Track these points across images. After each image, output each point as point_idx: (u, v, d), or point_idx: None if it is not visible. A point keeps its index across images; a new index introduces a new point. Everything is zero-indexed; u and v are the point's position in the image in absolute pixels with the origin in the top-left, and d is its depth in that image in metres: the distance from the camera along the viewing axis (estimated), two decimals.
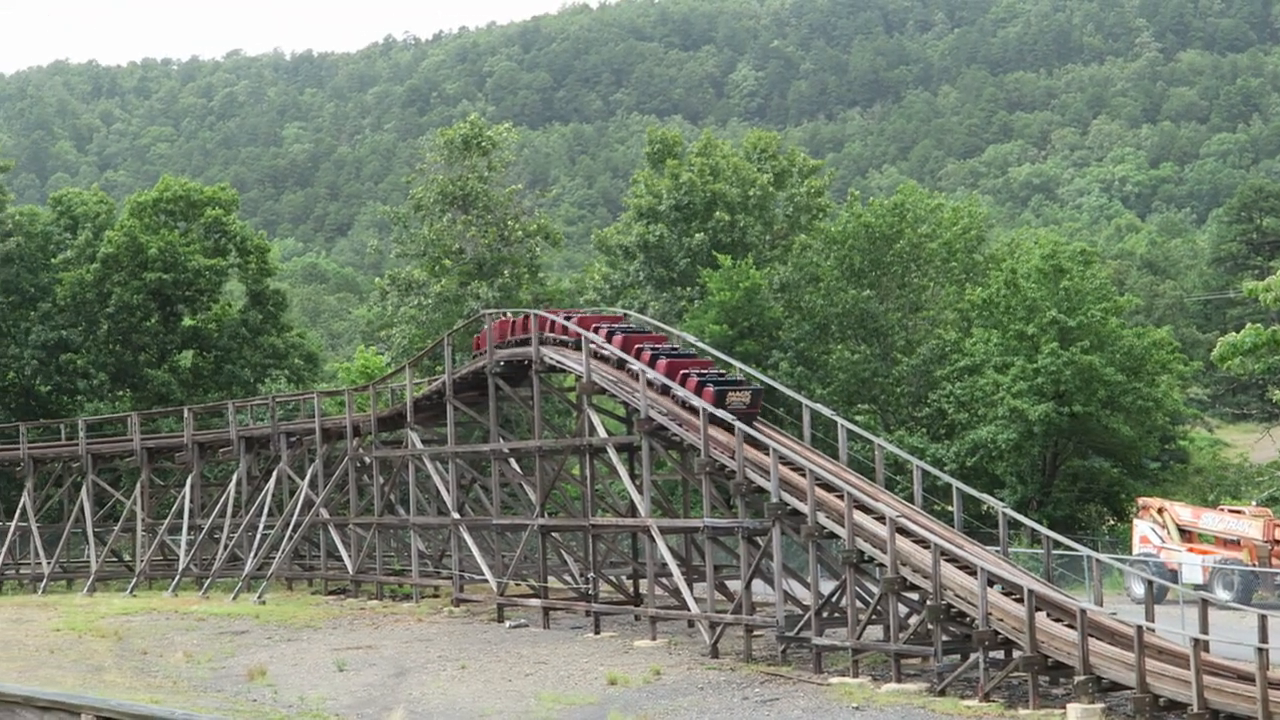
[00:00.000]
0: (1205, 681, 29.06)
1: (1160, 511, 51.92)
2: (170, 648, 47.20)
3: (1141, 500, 54.41)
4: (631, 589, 49.39)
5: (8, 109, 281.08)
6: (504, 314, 53.95)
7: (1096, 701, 31.41)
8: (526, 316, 50.64)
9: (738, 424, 40.86)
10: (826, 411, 44.31)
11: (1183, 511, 51.94)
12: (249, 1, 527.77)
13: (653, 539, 44.75)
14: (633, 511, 46.91)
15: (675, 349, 47.62)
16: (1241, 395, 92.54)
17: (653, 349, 46.37)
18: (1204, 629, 31.47)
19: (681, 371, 44.64)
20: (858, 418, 57.07)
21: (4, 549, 65.21)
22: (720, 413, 42.19)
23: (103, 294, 78.58)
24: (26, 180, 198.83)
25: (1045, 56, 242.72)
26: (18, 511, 65.72)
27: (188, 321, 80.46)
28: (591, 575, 47.95)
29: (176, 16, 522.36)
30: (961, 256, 66.83)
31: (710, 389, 43.23)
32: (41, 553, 64.72)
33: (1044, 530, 40.02)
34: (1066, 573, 44.71)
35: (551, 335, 49.21)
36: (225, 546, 60.64)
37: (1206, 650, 30.19)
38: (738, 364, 48.85)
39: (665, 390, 44.37)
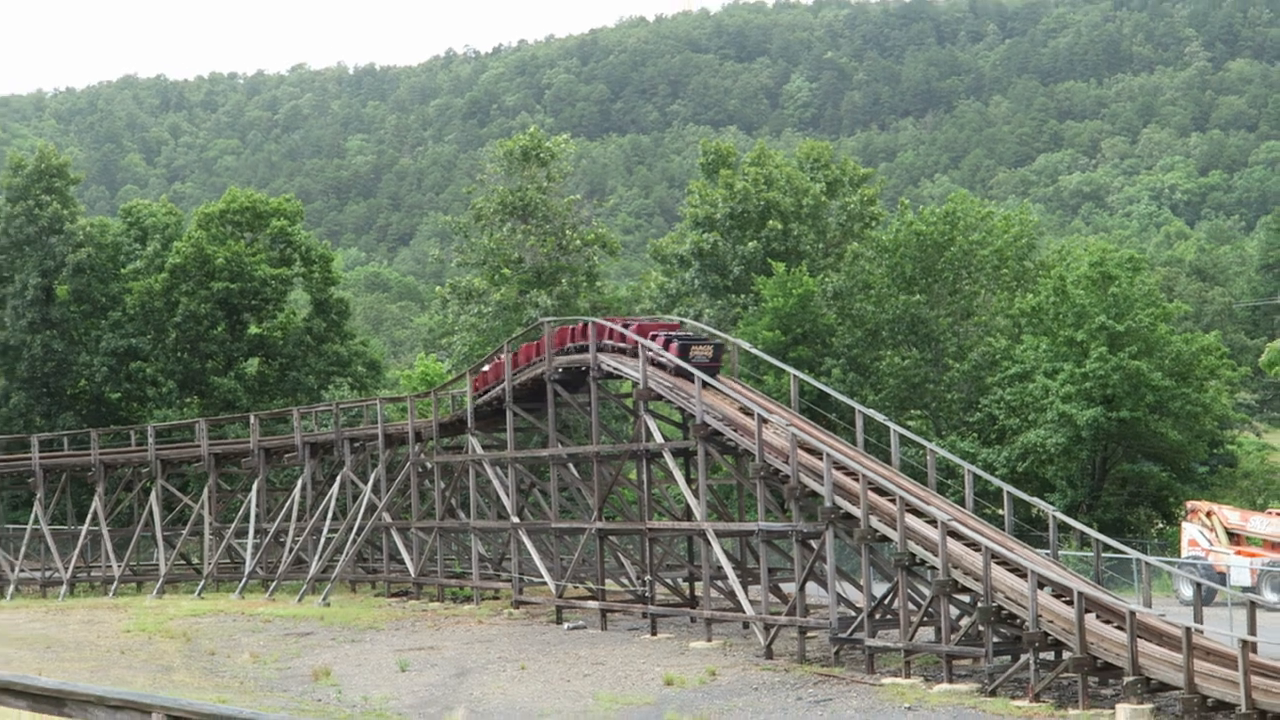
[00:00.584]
0: (1253, 682, 28.89)
1: (1209, 515, 51.65)
2: (237, 649, 47.44)
3: (1190, 504, 54.07)
4: (687, 591, 49.37)
5: (79, 123, 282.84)
6: (550, 323, 54.11)
7: (1145, 702, 31.28)
8: (584, 324, 50.73)
9: (792, 432, 40.95)
10: (879, 417, 44.25)
11: (1231, 515, 51.66)
12: (313, 16, 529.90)
13: (708, 542, 44.80)
14: (688, 515, 46.96)
15: (688, 334, 48.07)
16: None
17: (667, 335, 46.88)
18: (1252, 630, 31.32)
19: (651, 332, 46.73)
20: (910, 423, 57.05)
21: (76, 552, 65.61)
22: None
23: (171, 303, 79.06)
24: (97, 192, 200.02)
25: (1095, 66, 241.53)
26: (89, 516, 66.08)
27: (254, 330, 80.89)
28: (648, 578, 47.99)
29: (242, 31, 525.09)
30: (1012, 264, 66.69)
31: (675, 344, 45.25)
32: (112, 556, 65.13)
33: (1093, 533, 39.93)
34: (1116, 575, 44.51)
35: (609, 343, 49.31)
36: (290, 550, 60.89)
37: (1254, 651, 30.04)
38: (790, 369, 48.80)
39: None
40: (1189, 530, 51.81)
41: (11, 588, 64.53)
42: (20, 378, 78.85)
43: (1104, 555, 40.36)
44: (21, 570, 66.03)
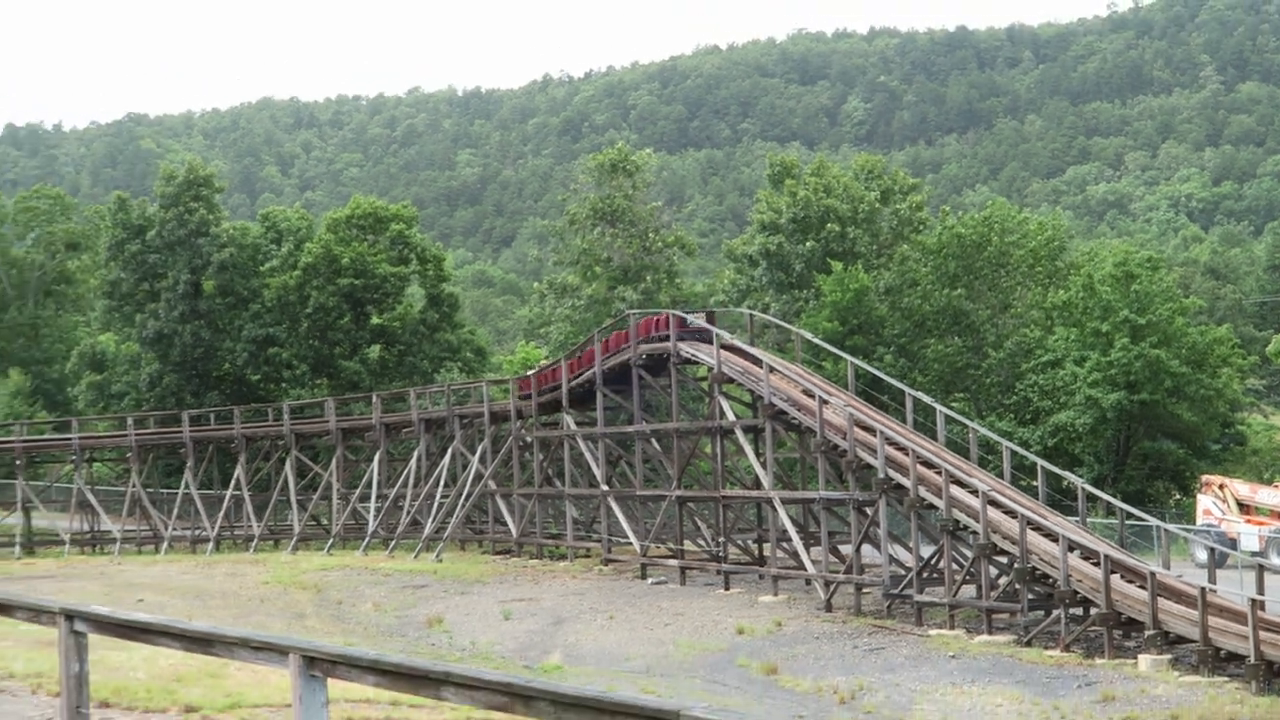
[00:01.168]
0: (1261, 636, 28.75)
1: (1221, 488, 51.26)
2: (361, 599, 47.72)
3: (1204, 477, 53.69)
4: (756, 551, 49.34)
5: (223, 139, 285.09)
6: (635, 315, 54.16)
7: (1164, 653, 31.18)
8: (665, 316, 50.81)
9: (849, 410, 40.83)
10: (926, 399, 44.10)
11: (1241, 488, 51.31)
12: (427, 44, 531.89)
13: (775, 508, 44.89)
14: (757, 485, 47.00)
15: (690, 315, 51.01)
16: None
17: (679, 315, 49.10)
18: (1260, 590, 31.16)
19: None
20: (953, 404, 56.77)
21: (221, 514, 66.15)
22: (833, 400, 42.25)
23: (303, 297, 79.51)
24: (239, 200, 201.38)
25: (1120, 88, 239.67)
26: (232, 482, 66.64)
27: (375, 320, 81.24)
28: (722, 539, 48.09)
29: (366, 59, 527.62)
30: (1045, 263, 66.41)
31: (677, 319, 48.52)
32: (252, 517, 65.68)
33: (1118, 503, 39.83)
34: (1138, 540, 44.17)
35: (687, 332, 49.36)
36: (407, 513, 61.16)
37: (1263, 609, 29.75)
38: (847, 356, 48.70)
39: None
40: (1203, 501, 51.41)
41: (166, 544, 65.08)
42: (173, 362, 79.52)
43: (1127, 523, 40.19)
44: (174, 529, 66.60)
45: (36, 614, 10.01)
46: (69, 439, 69.98)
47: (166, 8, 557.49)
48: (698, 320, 49.95)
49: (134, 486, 67.68)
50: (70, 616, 9.38)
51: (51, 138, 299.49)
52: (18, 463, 68.46)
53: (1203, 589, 30.68)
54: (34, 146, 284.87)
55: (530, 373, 62.06)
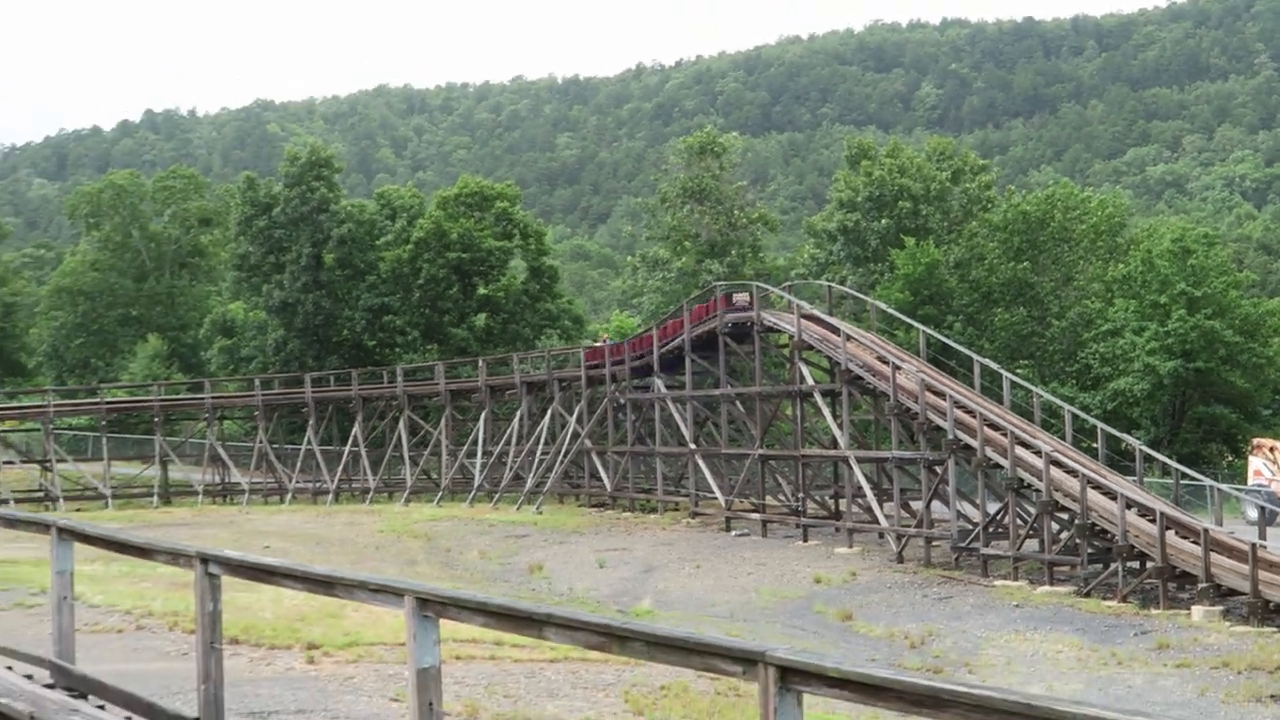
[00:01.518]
0: None
1: (1272, 450, 50.49)
2: (468, 547, 48.05)
3: (1255, 440, 52.91)
4: (833, 507, 49.19)
5: (342, 124, 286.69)
6: (721, 287, 54.08)
7: (1216, 605, 30.93)
8: (750, 288, 50.84)
9: (919, 375, 40.66)
10: (993, 365, 43.81)
11: None
12: (530, 35, 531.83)
13: (850, 467, 44.83)
14: (834, 444, 46.87)
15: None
16: None
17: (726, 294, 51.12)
18: None
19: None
20: (1018, 370, 56.32)
21: (340, 468, 66.77)
22: (906, 365, 42.13)
23: (415, 269, 79.97)
24: (356, 180, 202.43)
25: (1178, 75, 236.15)
26: (350, 438, 67.20)
27: (481, 291, 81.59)
28: (801, 495, 48.02)
29: (473, 48, 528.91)
30: (1105, 239, 65.92)
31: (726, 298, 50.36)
32: (369, 471, 66.20)
33: (1173, 464, 39.55)
34: (1191, 499, 43.76)
35: (768, 301, 49.43)
36: (510, 468, 61.46)
37: None
38: (918, 325, 48.52)
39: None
40: (1254, 462, 50.69)
41: (289, 495, 65.78)
42: (296, 328, 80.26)
43: (1182, 482, 39.80)
44: (297, 481, 67.28)
45: (175, 557, 10.15)
46: (202, 399, 70.85)
47: (292, 1, 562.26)
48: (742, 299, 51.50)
49: (261, 442, 68.42)
50: (205, 560, 9.50)
51: (186, 123, 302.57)
52: (156, 420, 69.38)
53: (1253, 545, 30.45)
54: (170, 131, 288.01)
55: (597, 344, 63.20)
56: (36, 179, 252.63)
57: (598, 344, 63.90)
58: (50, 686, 10.40)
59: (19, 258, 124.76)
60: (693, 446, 53.09)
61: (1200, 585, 31.52)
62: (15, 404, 77.12)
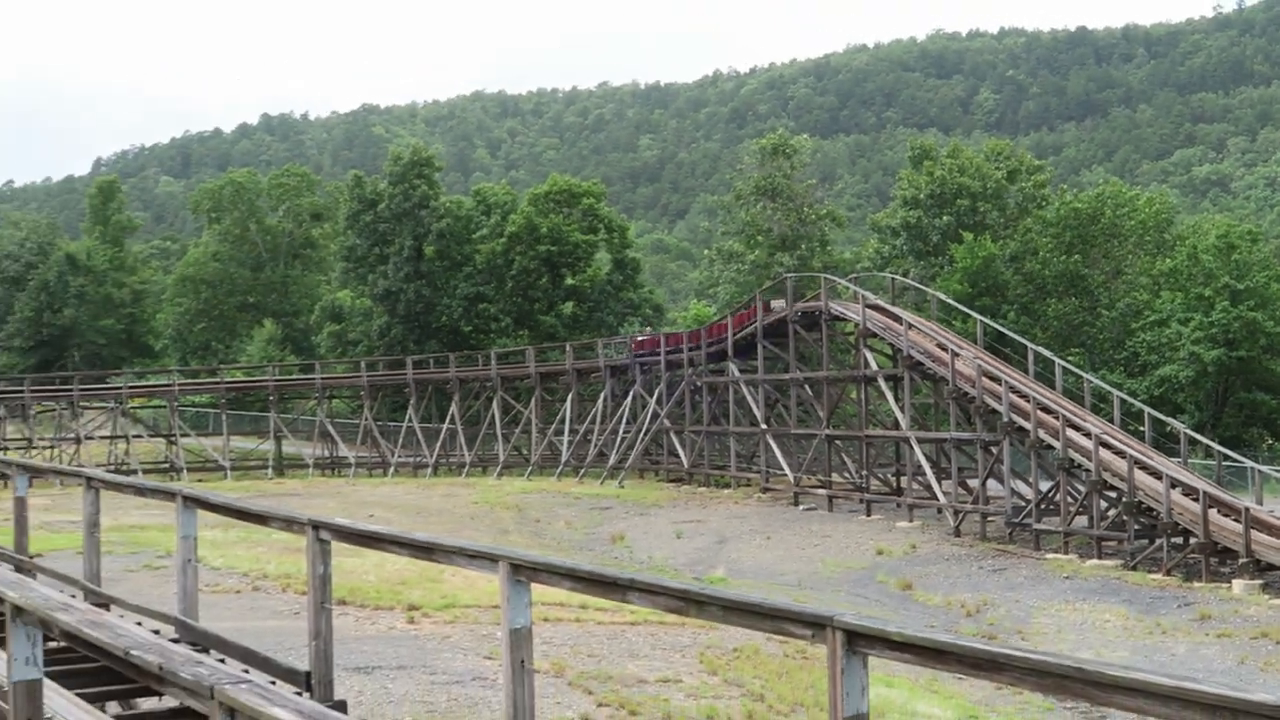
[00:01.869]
0: None
1: None
2: (555, 518, 48.24)
3: None
4: (894, 483, 48.96)
5: (441, 126, 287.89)
6: (792, 279, 53.84)
7: (1256, 579, 30.67)
8: (818, 280, 50.73)
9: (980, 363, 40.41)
10: (1045, 352, 43.56)
11: None
12: (615, 44, 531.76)
13: (911, 446, 44.69)
14: (896, 426, 46.67)
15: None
16: None
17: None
18: None
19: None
20: (1070, 358, 55.78)
21: (438, 444, 67.15)
22: (967, 352, 41.88)
23: (508, 261, 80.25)
24: (454, 178, 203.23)
25: (1223, 81, 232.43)
26: (448, 417, 67.53)
27: (569, 281, 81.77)
28: (865, 472, 47.91)
29: (562, 56, 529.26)
30: (1153, 235, 65.25)
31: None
32: (464, 447, 66.54)
33: (1215, 446, 39.32)
34: (1233, 480, 43.18)
35: (835, 292, 49.27)
36: (595, 445, 61.58)
37: None
38: (976, 314, 48.24)
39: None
40: None
41: (392, 469, 66.23)
42: (399, 315, 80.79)
43: (1223, 464, 39.49)
44: (399, 456, 67.72)
45: (289, 524, 10.25)
46: (313, 379, 71.50)
47: (395, 12, 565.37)
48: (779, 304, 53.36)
49: (366, 419, 68.99)
50: (317, 527, 9.58)
51: (299, 125, 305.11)
52: (270, 398, 70.14)
53: None
54: (285, 132, 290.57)
55: (640, 337, 64.64)
56: (163, 177, 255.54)
57: (640, 337, 65.14)
58: (176, 641, 10.53)
59: (147, 249, 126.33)
60: (764, 426, 53.02)
61: (1241, 560, 31.26)
62: (144, 383, 78.09)
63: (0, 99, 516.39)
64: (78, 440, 64.51)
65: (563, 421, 63.94)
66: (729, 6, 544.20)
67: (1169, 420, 40.66)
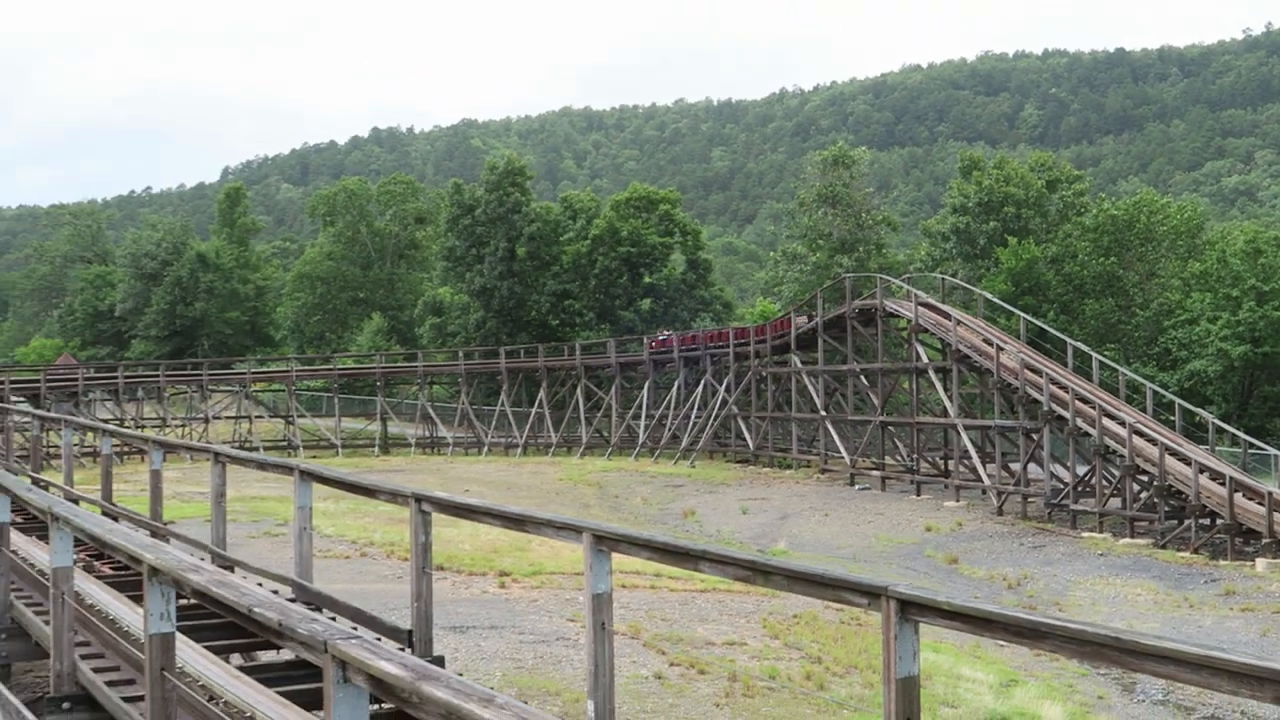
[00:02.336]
0: None
1: None
2: (632, 494, 48.32)
3: None
4: (942, 466, 48.59)
5: (533, 139, 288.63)
6: (850, 279, 53.48)
7: (1278, 557, 30.20)
8: (874, 280, 50.48)
9: (1017, 353, 40.01)
10: (1083, 348, 43.18)
11: None
12: (690, 63, 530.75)
13: (958, 433, 44.40)
14: (944, 413, 46.35)
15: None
16: None
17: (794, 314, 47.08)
18: None
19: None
20: (1106, 353, 55.14)
21: (528, 426, 67.41)
22: (1008, 345, 41.54)
23: (591, 261, 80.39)
24: (543, 186, 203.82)
25: (1252, 98, 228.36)
26: (536, 402, 67.78)
27: (646, 280, 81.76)
28: (915, 456, 47.60)
29: (642, 74, 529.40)
30: (1185, 240, 64.40)
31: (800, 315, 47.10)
32: (551, 429, 66.77)
33: (1241, 435, 38.72)
34: (1258, 466, 42.45)
35: (889, 291, 49.04)
36: (669, 429, 61.65)
37: None
38: (1019, 312, 47.83)
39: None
40: None
41: (485, 448, 66.59)
42: (493, 310, 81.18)
43: (1249, 451, 38.85)
44: (492, 436, 68.08)
45: (394, 497, 10.32)
46: (415, 366, 72.05)
47: (493, 35, 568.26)
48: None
49: (463, 403, 69.43)
50: (419, 500, 9.64)
51: (405, 138, 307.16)
52: (377, 384, 70.74)
53: None
54: (392, 144, 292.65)
55: (661, 336, 65.93)
56: (283, 184, 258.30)
57: (660, 337, 66.37)
58: (292, 600, 10.64)
59: (269, 249, 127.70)
60: (823, 413, 52.83)
61: (1264, 540, 30.86)
62: (265, 369, 79.00)
63: (140, 113, 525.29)
64: (206, 420, 65.38)
65: (640, 407, 64.07)
66: (795, 30, 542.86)
67: (1198, 411, 40.12)
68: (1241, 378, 57.11)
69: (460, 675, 5.21)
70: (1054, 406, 38.82)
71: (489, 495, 41.24)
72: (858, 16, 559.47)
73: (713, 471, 54.76)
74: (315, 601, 11.03)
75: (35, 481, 18.83)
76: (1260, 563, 30.15)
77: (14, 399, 58.72)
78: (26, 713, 9.87)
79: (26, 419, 29.98)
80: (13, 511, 11.29)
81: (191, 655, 9.62)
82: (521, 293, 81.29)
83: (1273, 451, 39.91)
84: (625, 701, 15.09)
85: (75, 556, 9.39)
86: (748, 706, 16.07)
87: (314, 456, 61.58)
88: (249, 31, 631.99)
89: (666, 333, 68.21)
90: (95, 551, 14.47)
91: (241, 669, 10.10)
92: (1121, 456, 36.11)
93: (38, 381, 64.41)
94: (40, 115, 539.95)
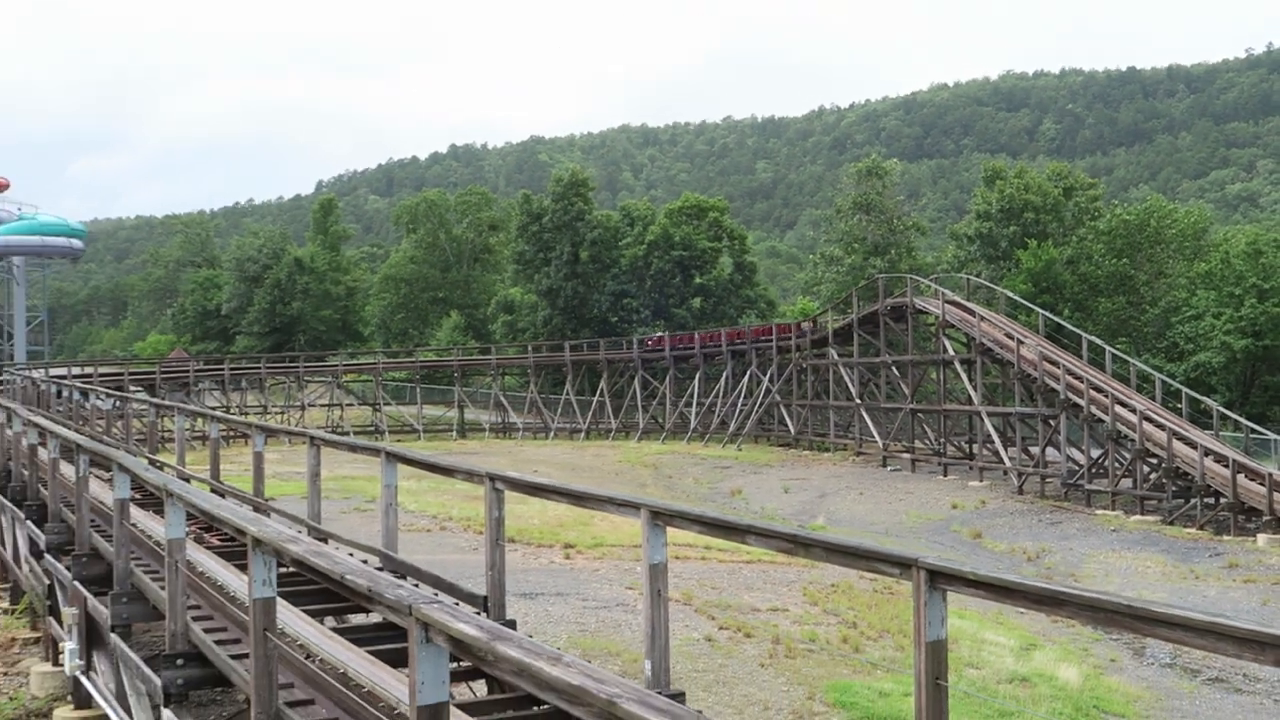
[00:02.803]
0: None
1: None
2: (684, 474, 48.29)
3: None
4: (967, 449, 48.21)
5: (594, 154, 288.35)
6: (883, 279, 53.08)
7: (1278, 534, 29.82)
8: (904, 280, 50.16)
9: (1050, 353, 39.62)
10: (1097, 341, 42.72)
11: None
12: (736, 84, 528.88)
13: (982, 419, 44.09)
14: (969, 401, 46.08)
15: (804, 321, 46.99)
16: None
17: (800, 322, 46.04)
18: None
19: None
20: (1118, 346, 54.47)
21: (590, 413, 67.51)
22: (1037, 344, 41.17)
23: (647, 264, 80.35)
24: (604, 196, 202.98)
25: (1253, 111, 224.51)
26: (598, 391, 67.87)
27: (697, 280, 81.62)
28: (942, 440, 47.23)
29: (692, 94, 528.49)
30: (1191, 242, 63.63)
31: (807, 321, 42.64)
32: (611, 415, 66.80)
33: (1244, 421, 38.44)
34: (1259, 449, 41.86)
35: (919, 290, 48.69)
36: (717, 415, 61.56)
37: None
38: (1038, 309, 47.45)
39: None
40: None
41: (552, 433, 66.76)
42: (559, 308, 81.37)
43: (1250, 436, 38.42)
44: (558, 422, 68.23)
45: (470, 476, 10.36)
46: (489, 359, 72.38)
47: (558, 59, 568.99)
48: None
49: (531, 392, 69.62)
50: (493, 479, 9.68)
51: (479, 153, 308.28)
52: (455, 375, 71.12)
53: None
54: (468, 159, 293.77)
55: (656, 335, 65.98)
56: (370, 195, 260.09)
57: (654, 337, 67.96)
58: (379, 569, 10.72)
59: (358, 254, 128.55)
60: (858, 401, 52.58)
61: (1265, 518, 30.50)
62: (355, 362, 79.55)
63: (246, 133, 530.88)
64: (302, 407, 65.99)
65: (691, 395, 64.01)
66: (832, 52, 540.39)
67: (1203, 399, 39.61)
68: (1244, 369, 56.34)
69: (530, 637, 5.22)
70: (1070, 395, 38.48)
71: (555, 475, 41.35)
72: (890, 40, 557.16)
73: (757, 454, 54.64)
74: (400, 570, 11.11)
75: (151, 462, 19.05)
76: (1261, 538, 29.77)
77: (133, 388, 59.51)
78: (145, 668, 10.02)
79: (144, 407, 30.36)
80: (132, 489, 11.44)
81: (290, 617, 9.72)
82: (584, 292, 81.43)
83: (1273, 436, 39.37)
84: (679, 661, 15.11)
85: (187, 529, 9.50)
86: (790, 667, 16.05)
87: (398, 440, 61.98)
88: (343, 60, 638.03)
89: (660, 335, 68.72)
90: (204, 524, 14.65)
91: (334, 630, 10.20)
92: (1132, 440, 35.75)
93: (153, 373, 65.30)
94: (161, 136, 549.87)
